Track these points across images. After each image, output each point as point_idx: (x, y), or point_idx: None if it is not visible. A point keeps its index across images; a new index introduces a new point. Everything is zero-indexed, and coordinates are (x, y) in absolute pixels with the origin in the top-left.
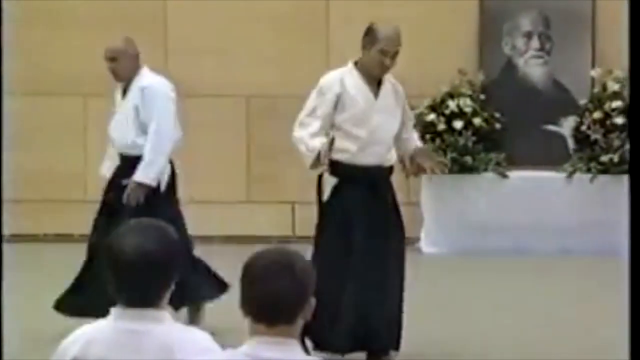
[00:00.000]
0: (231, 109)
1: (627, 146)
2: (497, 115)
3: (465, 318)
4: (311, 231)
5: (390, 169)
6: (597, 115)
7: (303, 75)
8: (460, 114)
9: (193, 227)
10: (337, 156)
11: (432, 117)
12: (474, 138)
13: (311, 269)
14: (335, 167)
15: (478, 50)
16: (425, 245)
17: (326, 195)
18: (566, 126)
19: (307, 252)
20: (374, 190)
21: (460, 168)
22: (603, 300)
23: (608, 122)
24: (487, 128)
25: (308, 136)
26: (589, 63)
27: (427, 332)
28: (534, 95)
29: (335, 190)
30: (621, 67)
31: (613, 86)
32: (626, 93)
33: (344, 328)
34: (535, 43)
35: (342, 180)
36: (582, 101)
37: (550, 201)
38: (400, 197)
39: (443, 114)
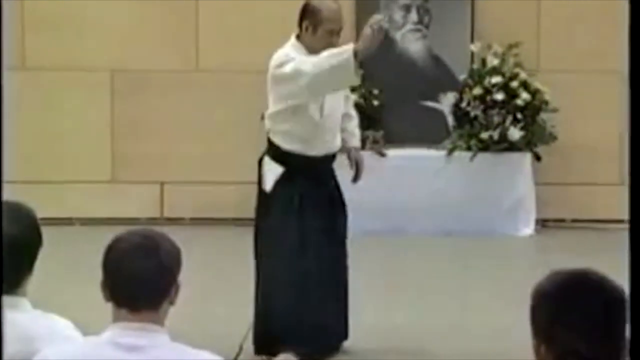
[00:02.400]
0: (95, 84)
1: (508, 123)
2: (375, 91)
3: None
4: (180, 212)
5: (334, 156)
6: (476, 91)
7: (170, 50)
8: None
9: (53, 208)
10: (287, 147)
11: None
12: None
13: (177, 252)
14: (285, 157)
15: (355, 23)
16: None
17: (269, 183)
18: (445, 102)
19: (175, 234)
20: (319, 180)
21: None
22: (483, 280)
23: (488, 98)
24: (364, 105)
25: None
26: (468, 37)
27: None
28: (412, 70)
29: (284, 179)
30: (500, 41)
31: (492, 61)
32: (506, 68)
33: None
34: (413, 16)
35: (291, 169)
36: (462, 76)
37: (429, 180)
38: None
39: None
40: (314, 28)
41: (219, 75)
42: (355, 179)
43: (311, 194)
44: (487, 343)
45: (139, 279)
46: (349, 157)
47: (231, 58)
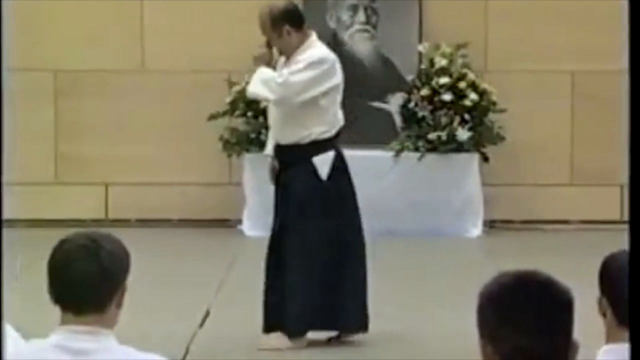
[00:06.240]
0: (37, 84)
1: (455, 123)
2: None
3: None
4: (125, 214)
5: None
6: (424, 91)
7: (115, 49)
8: None
9: None
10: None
11: None
12: None
13: (123, 254)
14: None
15: None
16: (248, 228)
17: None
18: (393, 103)
19: (120, 235)
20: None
21: None
22: (431, 281)
23: (436, 99)
24: None
25: None
26: (416, 38)
27: (249, 314)
28: (360, 70)
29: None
30: (448, 42)
31: (440, 62)
32: (454, 68)
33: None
34: (361, 16)
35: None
36: (410, 77)
37: (377, 181)
38: (220, 177)
39: None
40: None
41: (164, 76)
42: None
43: None
44: (436, 345)
45: (81, 282)
46: None
47: (177, 58)
